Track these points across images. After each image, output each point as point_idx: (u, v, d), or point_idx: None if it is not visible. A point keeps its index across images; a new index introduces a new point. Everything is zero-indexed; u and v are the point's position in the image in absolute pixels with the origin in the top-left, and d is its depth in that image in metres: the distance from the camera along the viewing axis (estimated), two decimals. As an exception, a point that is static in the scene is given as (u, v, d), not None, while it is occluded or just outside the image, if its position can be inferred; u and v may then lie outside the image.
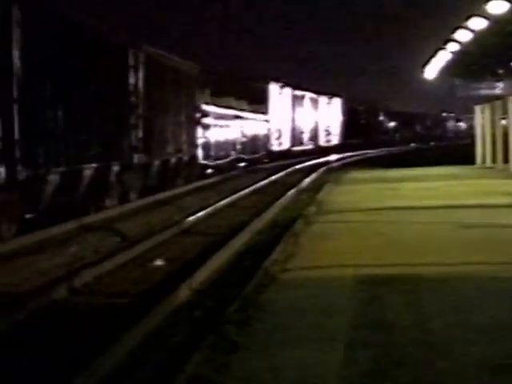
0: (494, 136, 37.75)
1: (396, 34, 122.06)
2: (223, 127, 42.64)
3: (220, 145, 41.73)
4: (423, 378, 6.54)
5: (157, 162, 27.77)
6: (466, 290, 9.68)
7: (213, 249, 15.00)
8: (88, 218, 19.26)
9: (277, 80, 56.49)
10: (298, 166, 47.82)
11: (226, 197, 26.23)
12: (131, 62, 24.94)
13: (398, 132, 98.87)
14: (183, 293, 11.16)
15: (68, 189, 19.09)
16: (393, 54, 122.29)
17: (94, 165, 20.71)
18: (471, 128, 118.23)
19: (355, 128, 79.09)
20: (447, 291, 9.67)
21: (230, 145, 44.41)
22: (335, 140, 74.36)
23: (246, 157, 47.26)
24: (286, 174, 40.92)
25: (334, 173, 40.02)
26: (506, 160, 34.99)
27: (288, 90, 59.03)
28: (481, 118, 40.96)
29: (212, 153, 39.58)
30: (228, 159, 43.24)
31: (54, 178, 18.21)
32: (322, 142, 70.16)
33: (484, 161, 40.01)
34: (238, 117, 46.03)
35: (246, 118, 48.13)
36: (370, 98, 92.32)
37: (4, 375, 8.09)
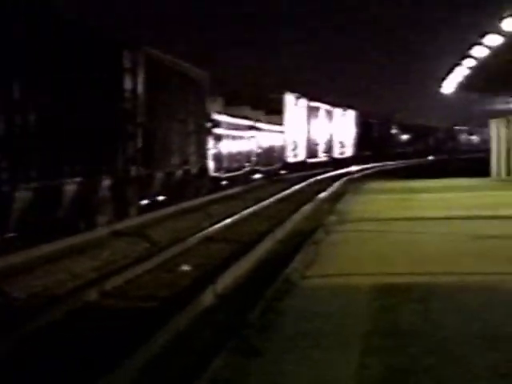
0: (508, 149, 38.09)
1: (411, 48, 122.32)
2: (237, 138, 41.07)
3: (233, 156, 40.11)
4: None
5: (159, 175, 25.27)
6: (479, 301, 10.00)
7: (236, 256, 15.48)
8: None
9: (293, 90, 56.38)
10: (318, 177, 48.24)
11: (250, 206, 26.77)
12: (127, 64, 22.10)
13: (411, 145, 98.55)
14: (207, 298, 11.63)
15: (44, 207, 16.73)
16: (408, 68, 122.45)
17: (77, 179, 18.13)
18: (484, 142, 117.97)
19: (368, 140, 79.20)
20: (458, 301, 10.01)
21: (244, 156, 42.95)
22: (349, 152, 74.51)
23: (261, 168, 46.24)
24: (308, 185, 41.41)
25: (353, 183, 40.45)
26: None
27: (303, 101, 59.11)
28: (496, 131, 41.33)
29: (224, 165, 37.98)
30: (242, 171, 41.75)
31: (23, 195, 15.69)
32: (336, 153, 70.38)
33: (499, 173, 40.32)
34: (252, 127, 44.95)
35: (261, 129, 47.15)
36: (384, 111, 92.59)
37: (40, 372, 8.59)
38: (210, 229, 20.29)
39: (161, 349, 9.07)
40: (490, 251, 14.09)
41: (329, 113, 68.20)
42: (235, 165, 40.46)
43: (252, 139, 44.79)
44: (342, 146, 72.60)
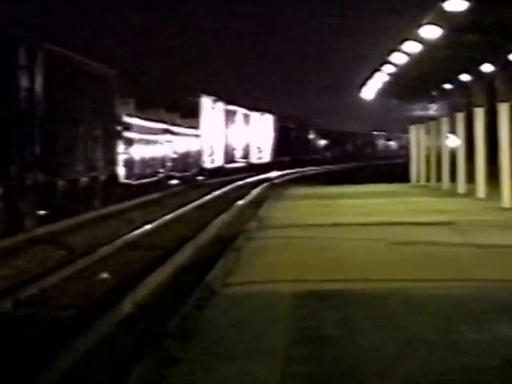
0: (428, 155, 38.72)
1: (332, 54, 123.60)
2: (150, 142, 38.90)
3: (146, 162, 37.83)
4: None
5: (62, 182, 23.27)
6: (396, 307, 10.09)
7: (157, 263, 15.32)
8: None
9: (209, 93, 54.57)
10: (239, 183, 48.25)
11: (171, 212, 26.59)
12: (23, 61, 20.36)
13: (328, 151, 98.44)
14: (126, 307, 11.46)
15: None
16: (327, 73, 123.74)
17: None
18: (402, 148, 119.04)
19: (286, 146, 78.45)
20: (378, 307, 10.08)
21: (158, 162, 40.56)
22: (266, 157, 73.60)
23: (177, 174, 44.07)
24: (228, 190, 41.37)
25: (273, 189, 40.59)
26: (439, 179, 35.92)
27: (221, 105, 57.78)
28: (415, 137, 41.99)
29: (137, 171, 35.59)
30: (156, 177, 39.52)
31: None
32: (254, 159, 69.47)
33: (419, 179, 40.94)
34: (167, 131, 42.78)
35: (177, 133, 44.98)
36: (302, 116, 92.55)
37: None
38: (130, 235, 20.07)
39: (77, 359, 8.89)
40: (407, 258, 14.24)
41: (246, 117, 67.40)
42: (149, 171, 38.39)
43: (167, 144, 42.79)
44: (260, 151, 71.94)
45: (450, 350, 7.92)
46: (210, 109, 54.61)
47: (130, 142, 34.29)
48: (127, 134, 33.57)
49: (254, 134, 69.30)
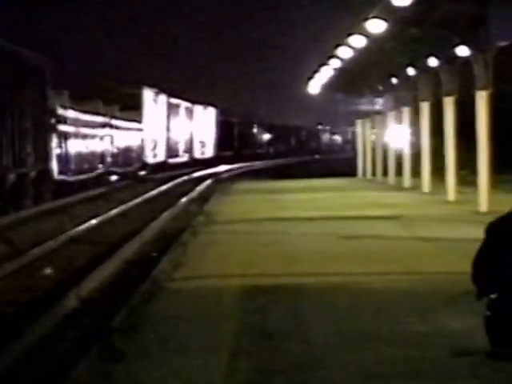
0: (373, 150, 38.95)
1: (278, 47, 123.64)
2: (87, 136, 36.58)
3: (83, 156, 35.65)
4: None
5: None
6: (342, 301, 10.11)
7: (102, 258, 15.14)
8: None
9: (151, 85, 52.69)
10: (185, 178, 48.02)
11: (115, 207, 26.30)
12: None
13: (272, 145, 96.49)
14: (71, 302, 11.30)
15: None
16: (273, 67, 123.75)
17: None
18: (346, 142, 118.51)
19: (229, 140, 75.44)
20: (325, 301, 10.07)
21: (96, 156, 38.45)
22: (210, 152, 70.20)
23: (117, 170, 42.33)
24: (174, 185, 41.09)
25: (220, 184, 40.48)
26: (385, 173, 36.15)
27: (163, 98, 55.57)
28: (362, 131, 42.21)
29: (72, 166, 33.27)
30: (94, 173, 37.45)
31: None
32: (197, 154, 67.38)
33: (365, 173, 41.18)
34: (106, 124, 40.67)
35: (117, 127, 42.93)
36: (246, 110, 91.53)
37: None
38: (74, 230, 19.81)
39: (20, 356, 8.73)
40: (355, 252, 14.28)
41: (189, 110, 65.50)
42: (86, 166, 36.17)
43: (106, 138, 40.70)
44: (203, 145, 68.68)
45: (396, 342, 7.94)
46: (152, 101, 52.81)
47: (65, 136, 32.24)
48: (62, 128, 31.64)
49: (197, 128, 67.34)
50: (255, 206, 24.52)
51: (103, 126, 40.26)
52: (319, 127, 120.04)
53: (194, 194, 34.06)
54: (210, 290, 10.99)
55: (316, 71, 34.05)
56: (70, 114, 33.40)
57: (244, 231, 17.71)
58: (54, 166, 29.81)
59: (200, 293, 10.84)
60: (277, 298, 10.33)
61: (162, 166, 53.38)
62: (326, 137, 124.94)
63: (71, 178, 32.93)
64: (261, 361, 7.47)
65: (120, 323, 9.13)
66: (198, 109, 68.22)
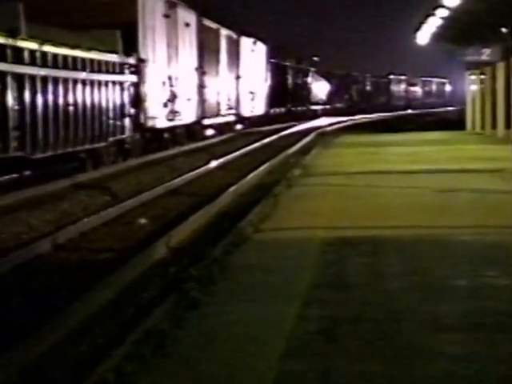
0: (483, 102, 37.93)
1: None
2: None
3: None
4: (375, 335, 6.77)
5: None
6: (426, 253, 9.92)
7: (195, 209, 15.27)
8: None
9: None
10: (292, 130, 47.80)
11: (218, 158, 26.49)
12: None
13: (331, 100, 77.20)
14: (159, 250, 11.46)
15: None
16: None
17: None
18: (429, 95, 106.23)
19: (282, 93, 58.21)
20: (409, 253, 9.91)
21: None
22: (260, 109, 50.63)
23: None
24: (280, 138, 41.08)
25: (324, 137, 40.25)
26: (494, 126, 35.21)
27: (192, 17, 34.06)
28: (470, 84, 41.13)
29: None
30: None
31: None
32: (245, 110, 46.32)
33: (474, 127, 40.24)
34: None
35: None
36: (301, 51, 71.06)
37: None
38: (172, 182, 20.04)
39: (104, 301, 8.93)
40: (450, 205, 13.97)
41: (234, 42, 43.90)
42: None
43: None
44: (253, 99, 48.46)
45: (473, 296, 7.76)
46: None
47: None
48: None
49: (245, 74, 46.17)
50: (354, 159, 24.26)
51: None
52: (391, 77, 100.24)
53: (295, 147, 33.82)
54: (295, 242, 10.95)
55: (423, 21, 33.29)
56: None
57: (338, 184, 17.52)
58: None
59: (283, 244, 10.82)
60: (360, 250, 10.23)
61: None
62: (399, 88, 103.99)
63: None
64: (333, 311, 7.42)
65: (199, 272, 9.18)
66: (247, 42, 47.93)
